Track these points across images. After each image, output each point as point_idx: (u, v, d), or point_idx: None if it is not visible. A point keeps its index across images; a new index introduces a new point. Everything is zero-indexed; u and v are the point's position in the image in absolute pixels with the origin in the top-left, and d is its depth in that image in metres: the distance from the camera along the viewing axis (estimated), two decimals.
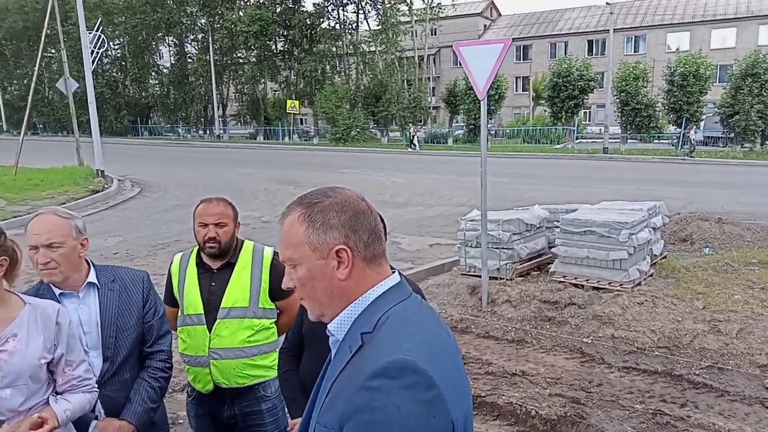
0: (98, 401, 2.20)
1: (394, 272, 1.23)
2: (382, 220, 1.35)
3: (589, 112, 46.75)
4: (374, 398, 1.01)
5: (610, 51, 29.76)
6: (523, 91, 53.23)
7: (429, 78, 49.44)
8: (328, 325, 1.21)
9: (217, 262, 2.64)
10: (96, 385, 2.08)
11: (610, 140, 28.88)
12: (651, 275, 7.02)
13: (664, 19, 48.97)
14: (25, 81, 52.07)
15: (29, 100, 20.79)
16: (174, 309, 2.72)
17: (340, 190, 1.23)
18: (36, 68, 21.33)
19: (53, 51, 43.84)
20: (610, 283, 6.46)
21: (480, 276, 6.72)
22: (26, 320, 1.91)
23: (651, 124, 31.28)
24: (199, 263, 2.67)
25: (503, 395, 4.47)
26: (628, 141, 31.57)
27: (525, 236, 7.31)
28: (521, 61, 53.92)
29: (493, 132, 38.87)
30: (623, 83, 30.47)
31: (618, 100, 30.86)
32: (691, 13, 48.04)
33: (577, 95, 32.32)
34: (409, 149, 34.33)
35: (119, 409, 2.22)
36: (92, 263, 2.32)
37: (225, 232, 2.57)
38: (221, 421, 2.69)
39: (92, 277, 2.25)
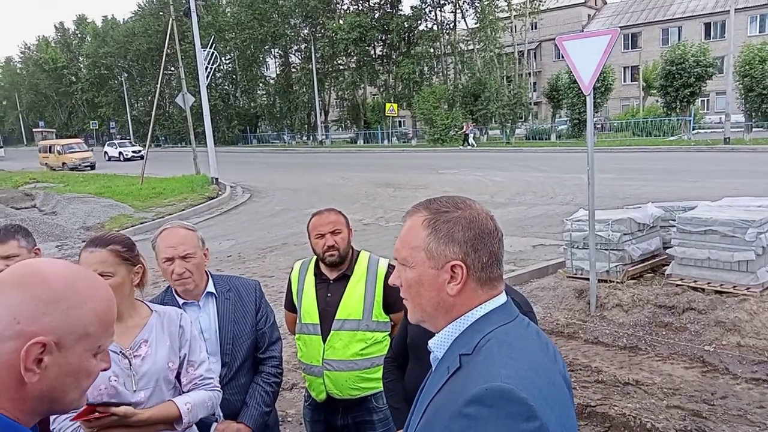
0: (218, 405, 2.31)
1: (501, 293, 1.19)
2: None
3: (707, 100, 43.33)
4: (471, 426, 0.97)
5: (731, 33, 27.30)
6: (632, 81, 50.24)
7: (530, 73, 48.05)
8: (429, 342, 1.20)
9: (334, 272, 2.71)
10: (218, 385, 2.17)
11: (732, 129, 26.47)
12: None
13: None
14: (149, 98, 56.79)
15: (153, 115, 22.71)
16: (294, 315, 2.83)
17: (470, 204, 1.20)
18: (158, 85, 23.28)
19: (173, 69, 47.58)
20: (735, 287, 5.93)
21: (587, 279, 6.43)
22: (154, 326, 2.05)
23: None
24: (317, 273, 2.76)
25: (615, 405, 4.25)
26: (753, 130, 28.78)
27: (637, 236, 6.90)
28: (630, 49, 50.92)
29: (600, 126, 37.07)
30: (747, 67, 27.84)
31: (741, 85, 28.26)
32: None
33: (693, 83, 29.97)
34: (461, 147, 33.92)
35: (236, 412, 2.34)
36: (210, 273, 2.47)
37: (342, 239, 2.65)
38: (335, 428, 2.77)
39: (211, 287, 2.41)
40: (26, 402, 0.93)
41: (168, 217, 14.52)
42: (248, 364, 2.43)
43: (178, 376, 2.09)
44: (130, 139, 61.85)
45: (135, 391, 1.95)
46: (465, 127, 35.72)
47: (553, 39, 6.55)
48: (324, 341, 2.65)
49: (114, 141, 47.79)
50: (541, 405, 1.00)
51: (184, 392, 2.09)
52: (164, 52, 22.59)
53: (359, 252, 2.79)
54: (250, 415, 2.33)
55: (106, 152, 44.08)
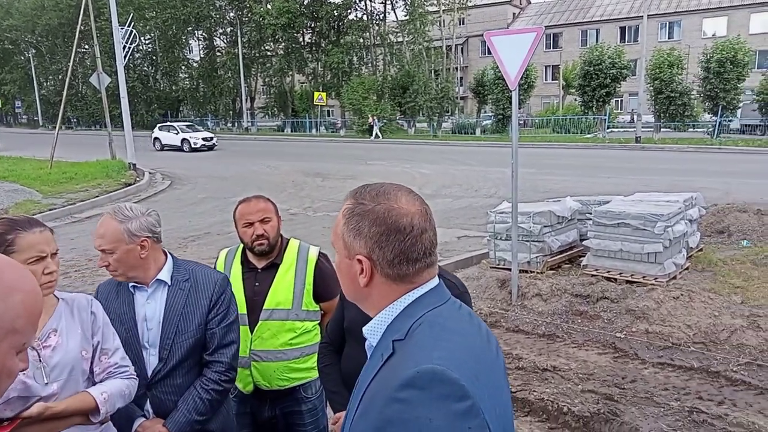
0: (148, 401, 2.20)
1: (428, 280, 1.17)
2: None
3: (621, 100, 45.78)
4: (404, 410, 0.97)
5: (643, 38, 29.00)
6: (552, 80, 52.36)
7: (457, 68, 48.97)
8: (363, 328, 1.19)
9: (262, 261, 2.62)
10: (134, 374, 2.07)
11: (642, 129, 28.18)
12: (687, 269, 6.84)
13: (700, 4, 47.52)
14: (60, 76, 53.29)
15: (64, 95, 21.31)
16: None
17: (395, 196, 1.15)
18: (70, 64, 21.81)
19: (87, 47, 44.70)
20: (644, 277, 6.31)
21: (510, 269, 6.63)
22: (63, 314, 1.92)
23: (686, 113, 30.39)
24: (244, 261, 2.66)
25: (534, 391, 4.41)
26: (662, 130, 30.76)
27: (556, 229, 7.19)
28: (551, 49, 53.00)
29: (522, 122, 38.35)
30: (657, 71, 29.67)
31: (651, 88, 30.07)
32: None
33: (609, 84, 31.61)
34: (368, 138, 34.91)
35: (168, 413, 2.18)
36: (173, 258, 2.29)
37: (271, 227, 2.57)
38: (262, 420, 2.69)
39: (163, 274, 2.22)
40: None
41: (80, 203, 13.70)
42: (188, 364, 2.22)
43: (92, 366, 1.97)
44: (38, 119, 57.72)
45: (47, 383, 1.82)
46: (370, 118, 36.26)
47: (480, 35, 6.66)
48: (251, 331, 2.57)
49: (172, 123, 34.11)
50: (474, 385, 1.00)
51: (97, 382, 1.98)
52: (77, 29, 21.21)
53: (288, 240, 2.71)
54: (176, 421, 2.16)
55: (157, 138, 31.73)
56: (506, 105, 32.39)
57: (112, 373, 2.00)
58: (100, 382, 1.98)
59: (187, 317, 2.19)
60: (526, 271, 6.90)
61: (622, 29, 50.28)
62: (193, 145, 29.86)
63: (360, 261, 1.13)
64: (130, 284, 2.22)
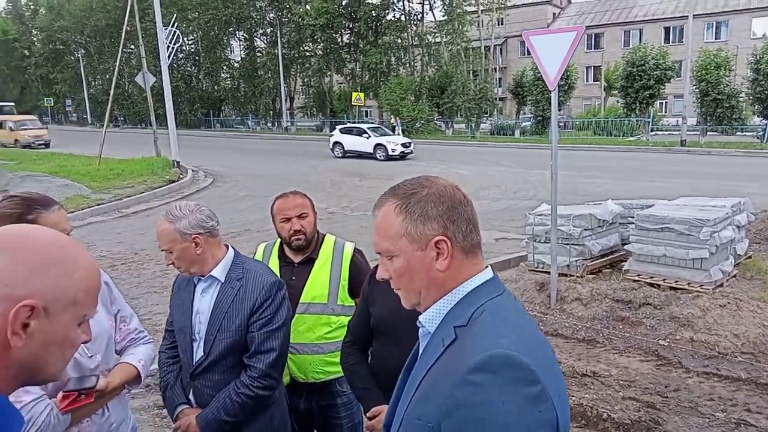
0: (191, 390, 2.29)
1: (487, 267, 1.21)
2: None
3: (666, 102, 44.55)
4: (476, 393, 0.98)
5: (689, 38, 28.13)
6: (594, 81, 51.34)
7: (495, 69, 48.51)
8: (419, 317, 1.20)
9: (298, 256, 2.68)
10: (151, 337, 2.17)
11: (688, 132, 27.38)
12: (734, 276, 6.63)
13: (750, 3, 45.87)
14: (107, 76, 54.86)
15: (111, 94, 21.97)
16: None
17: (434, 180, 1.21)
18: (117, 64, 22.52)
19: (133, 47, 46.09)
20: (689, 284, 6.14)
21: (548, 272, 6.55)
22: None
23: (733, 116, 29.41)
24: (281, 256, 2.72)
25: (573, 396, 4.35)
26: (708, 133, 29.82)
27: (597, 232, 7.07)
28: (592, 50, 52.00)
29: (563, 123, 37.73)
30: (703, 72, 28.79)
31: (697, 90, 29.19)
32: None
33: (653, 85, 30.83)
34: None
35: (206, 406, 2.25)
36: (235, 254, 2.33)
37: (308, 222, 2.61)
38: (298, 412, 2.74)
39: (217, 271, 2.26)
40: (9, 369, 0.89)
41: (126, 199, 14.12)
42: (228, 362, 2.24)
43: None
44: (87, 117, 59.57)
45: (90, 356, 1.91)
46: (393, 119, 36.14)
47: (519, 35, 6.60)
48: None
49: (358, 125, 27.95)
50: (541, 371, 1.02)
51: (118, 351, 2.07)
52: (124, 29, 21.86)
53: (324, 235, 2.76)
54: (205, 416, 2.21)
55: (338, 143, 26.03)
56: (546, 106, 31.93)
57: (134, 340, 2.10)
58: (123, 349, 2.07)
59: (230, 316, 2.22)
60: (566, 275, 6.80)
61: (666, 29, 48.94)
62: (390, 153, 23.99)
63: (438, 243, 1.14)
64: (195, 277, 2.31)
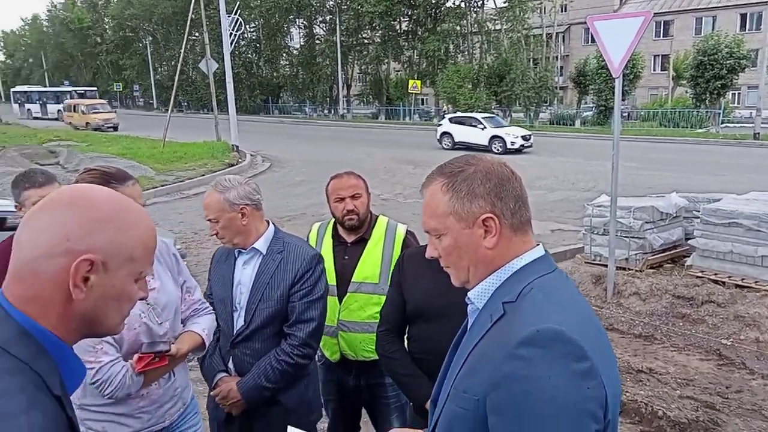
0: (231, 358, 2.36)
1: (538, 245, 1.20)
2: None
3: (738, 93, 42.20)
4: (524, 367, 0.98)
5: (767, 26, 26.52)
6: (661, 70, 49.12)
7: (557, 57, 47.18)
8: (468, 293, 1.20)
9: (351, 236, 2.72)
10: (212, 309, 2.24)
11: (762, 125, 25.88)
12: None
13: None
14: (173, 62, 56.68)
15: (176, 80, 22.74)
16: None
17: (481, 157, 1.21)
18: (182, 50, 23.23)
19: (197, 34, 47.31)
20: (756, 282, 5.85)
21: (605, 265, 6.38)
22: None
23: None
24: (335, 235, 2.77)
25: (627, 392, 4.24)
26: None
27: (659, 225, 6.81)
28: (661, 37, 49.67)
29: (626, 114, 36.35)
30: None
31: None
32: None
33: (725, 75, 29.24)
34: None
35: (245, 374, 2.32)
36: (275, 229, 2.42)
37: (361, 203, 2.65)
38: (347, 389, 2.79)
39: (260, 243, 2.35)
40: (71, 320, 0.95)
41: (188, 181, 14.62)
42: (268, 331, 2.31)
43: None
44: (153, 102, 61.83)
45: (160, 323, 2.01)
46: (444, 107, 35.40)
47: (583, 22, 6.42)
48: (340, 302, 2.68)
49: (472, 115, 25.50)
50: (591, 348, 1.01)
51: (183, 319, 2.15)
52: (189, 17, 22.49)
53: (377, 216, 2.79)
54: (246, 382, 2.27)
55: (447, 134, 23.92)
56: (609, 96, 30.88)
57: (198, 310, 2.19)
58: (187, 318, 2.15)
59: (272, 286, 2.30)
60: (624, 269, 6.60)
61: (743, 16, 46.16)
62: (510, 145, 21.76)
63: (485, 221, 1.14)
64: (235, 250, 2.38)
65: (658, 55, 49.65)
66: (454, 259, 1.19)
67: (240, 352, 2.33)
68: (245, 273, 2.36)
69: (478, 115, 24.86)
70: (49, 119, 42.79)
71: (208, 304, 2.26)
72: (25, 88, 55.09)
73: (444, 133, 24.13)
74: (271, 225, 2.42)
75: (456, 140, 23.58)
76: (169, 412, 2.04)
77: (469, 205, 1.14)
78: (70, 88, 50.90)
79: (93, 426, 1.93)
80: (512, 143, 21.97)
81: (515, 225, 1.16)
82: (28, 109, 48.50)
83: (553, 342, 0.98)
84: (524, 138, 22.15)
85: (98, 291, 0.94)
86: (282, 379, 2.27)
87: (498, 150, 21.76)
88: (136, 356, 1.86)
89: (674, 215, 6.98)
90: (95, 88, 52.90)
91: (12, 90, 55.71)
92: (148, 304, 1.97)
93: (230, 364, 2.36)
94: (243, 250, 2.37)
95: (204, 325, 2.13)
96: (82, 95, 45.56)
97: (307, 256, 2.34)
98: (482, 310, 1.16)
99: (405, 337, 2.35)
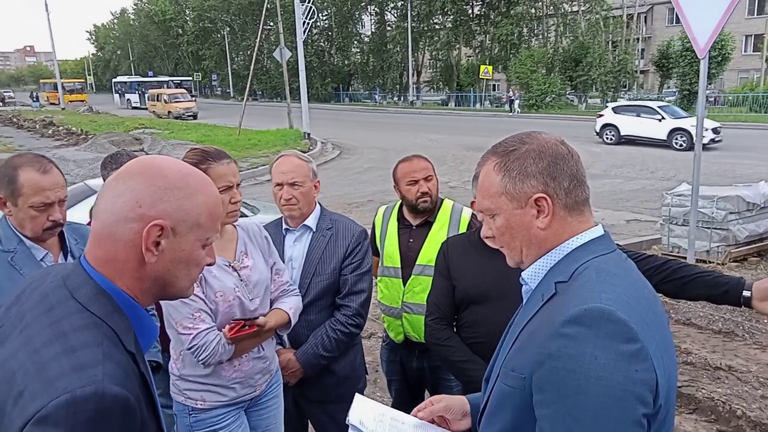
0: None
1: (597, 225, 1.17)
2: None
3: None
4: (568, 345, 0.97)
5: None
6: (754, 51, 45.76)
7: (638, 39, 44.95)
8: (522, 273, 1.20)
9: (417, 219, 2.74)
10: (298, 290, 2.33)
11: None
12: None
13: None
14: (249, 52, 58.36)
15: (251, 69, 23.46)
16: (376, 258, 2.88)
17: (536, 135, 1.18)
18: (257, 40, 23.85)
19: (272, 24, 48.45)
20: None
21: (685, 257, 6.09)
22: (245, 239, 2.19)
23: None
24: (400, 218, 2.80)
25: (703, 389, 4.06)
26: None
27: (745, 216, 6.43)
28: (754, 15, 46.19)
29: (713, 98, 34.25)
30: None
31: None
32: None
33: None
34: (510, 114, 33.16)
35: (301, 345, 2.41)
36: (321, 208, 2.53)
37: (433, 185, 2.69)
38: (410, 370, 2.83)
39: (310, 221, 2.45)
40: (144, 282, 1.02)
41: (261, 168, 15.10)
42: (322, 304, 2.41)
43: None
44: (229, 91, 63.84)
45: (251, 299, 2.11)
46: (511, 92, 34.65)
47: (668, 1, 6.05)
48: (404, 284, 2.71)
49: (646, 104, 21.39)
50: (643, 330, 0.98)
51: (271, 299, 2.24)
52: (264, 6, 23.06)
53: (443, 200, 2.80)
54: (304, 351, 2.37)
55: (610, 126, 20.01)
56: (693, 79, 29.12)
57: (286, 291, 2.27)
58: (275, 299, 2.24)
59: (325, 261, 2.39)
60: (704, 261, 6.28)
61: None
62: (694, 140, 12.75)
63: (537, 201, 1.12)
64: (283, 228, 2.47)
65: (751, 36, 46.14)
66: (507, 239, 1.18)
67: (295, 324, 2.41)
68: (296, 249, 2.46)
69: (653, 104, 20.74)
70: (146, 109, 43.86)
71: (296, 286, 2.34)
72: (125, 78, 57.48)
73: (606, 125, 20.11)
74: (317, 204, 2.51)
75: (622, 133, 19.57)
76: (258, 383, 2.16)
77: (521, 185, 1.12)
78: (167, 78, 53.14)
79: (192, 395, 2.08)
80: (705, 136, 15.69)
81: (570, 204, 1.13)
82: (128, 99, 50.43)
83: (600, 321, 0.96)
84: (714, 131, 17.25)
85: (169, 255, 1.02)
86: (337, 347, 2.38)
87: (681, 146, 17.66)
88: (228, 325, 2.00)
89: (762, 206, 6.56)
90: (189, 78, 55.03)
91: (113, 80, 58.35)
92: (241, 280, 2.09)
93: (285, 337, 2.45)
94: (291, 229, 2.46)
95: (291, 305, 2.22)
96: (178, 85, 47.54)
97: (356, 231, 2.46)
98: (535, 290, 1.16)
99: (453, 324, 2.34)
